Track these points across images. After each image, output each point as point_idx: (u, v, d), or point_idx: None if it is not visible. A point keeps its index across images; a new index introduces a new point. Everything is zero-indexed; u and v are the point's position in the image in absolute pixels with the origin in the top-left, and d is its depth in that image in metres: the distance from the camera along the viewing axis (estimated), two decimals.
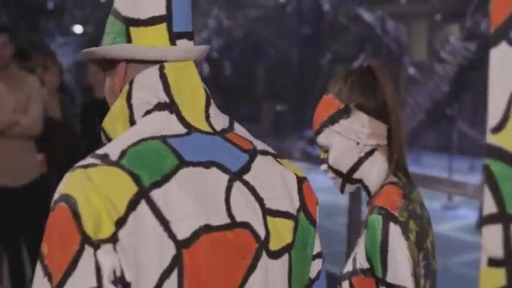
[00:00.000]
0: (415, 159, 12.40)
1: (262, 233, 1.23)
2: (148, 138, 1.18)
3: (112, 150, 1.18)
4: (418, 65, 14.13)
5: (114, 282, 1.10)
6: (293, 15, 17.36)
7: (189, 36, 1.28)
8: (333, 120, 1.73)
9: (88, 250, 1.09)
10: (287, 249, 1.27)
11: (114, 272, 1.10)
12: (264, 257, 1.23)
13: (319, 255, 1.36)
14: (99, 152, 1.18)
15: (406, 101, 12.03)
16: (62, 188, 1.14)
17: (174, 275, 1.13)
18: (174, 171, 1.16)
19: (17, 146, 4.91)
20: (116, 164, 1.15)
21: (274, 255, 1.24)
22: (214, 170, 1.20)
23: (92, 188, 1.12)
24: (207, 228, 1.16)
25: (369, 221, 1.59)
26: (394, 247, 1.57)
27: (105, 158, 1.16)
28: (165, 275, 1.12)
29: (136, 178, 1.13)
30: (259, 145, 1.32)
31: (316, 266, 1.36)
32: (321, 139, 1.75)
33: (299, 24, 17.19)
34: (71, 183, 1.14)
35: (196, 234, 1.15)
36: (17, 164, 4.83)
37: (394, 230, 1.57)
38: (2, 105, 5.01)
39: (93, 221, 1.10)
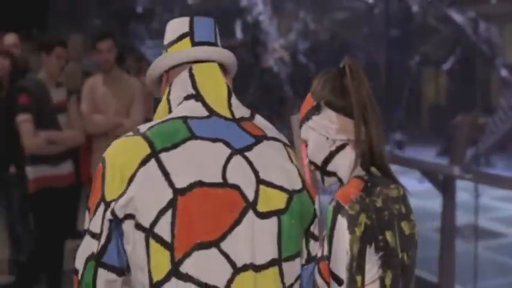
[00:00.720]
0: (509, 163, 11.97)
1: (251, 196, 1.52)
2: (174, 118, 1.55)
3: (145, 126, 1.58)
4: (510, 67, 13.67)
5: (117, 217, 1.48)
6: (381, 17, 17.10)
7: (209, 44, 1.66)
8: (307, 116, 1.93)
9: (101, 206, 1.50)
10: (276, 213, 1.55)
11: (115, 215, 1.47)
12: (251, 214, 1.52)
13: (317, 238, 1.63)
14: (138, 127, 1.59)
15: (499, 104, 11.64)
16: (105, 152, 1.55)
17: (169, 214, 1.46)
18: (183, 141, 1.52)
19: None
20: (141, 134, 1.56)
21: (261, 215, 1.53)
22: (219, 145, 1.53)
23: (118, 155, 1.51)
24: (201, 183, 1.49)
25: (326, 211, 1.75)
26: (338, 239, 1.71)
27: (136, 131, 1.58)
28: (161, 213, 1.46)
29: (151, 144, 1.51)
30: (273, 134, 1.64)
31: (315, 248, 1.65)
32: (302, 134, 1.96)
33: (387, 26, 16.92)
34: (109, 149, 1.56)
35: (191, 186, 1.48)
36: None
37: (340, 222, 1.71)
38: (106, 108, 5.11)
39: (111, 184, 1.47)
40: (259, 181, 1.54)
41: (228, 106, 1.59)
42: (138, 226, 1.46)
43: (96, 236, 1.51)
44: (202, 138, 1.52)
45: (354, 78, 1.87)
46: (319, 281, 1.76)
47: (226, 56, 1.67)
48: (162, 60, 1.64)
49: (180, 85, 1.58)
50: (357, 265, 1.70)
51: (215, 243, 1.47)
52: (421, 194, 8.44)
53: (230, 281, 1.48)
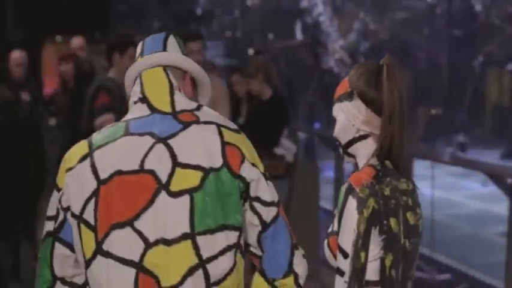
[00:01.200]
0: None
1: (164, 178, 1.72)
2: (120, 121, 1.83)
3: (97, 132, 1.85)
4: None
5: (64, 209, 1.77)
6: (442, 17, 16.80)
7: (155, 52, 1.88)
8: (340, 99, 2.06)
9: (55, 192, 1.81)
10: (189, 191, 1.71)
11: (62, 205, 1.78)
12: (163, 194, 1.71)
13: (272, 204, 1.79)
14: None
15: None
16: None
17: (93, 201, 1.72)
18: (115, 139, 1.77)
19: None
20: (88, 138, 1.82)
21: (173, 194, 1.71)
22: (146, 137, 1.76)
23: (70, 151, 1.83)
24: (119, 172, 1.72)
25: (340, 191, 1.94)
26: (347, 217, 1.90)
27: (89, 136, 1.84)
28: (87, 201, 1.73)
29: (90, 145, 1.78)
30: (207, 118, 1.80)
31: (269, 212, 1.79)
32: (333, 111, 2.09)
33: (449, 26, 16.60)
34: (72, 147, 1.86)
35: (111, 176, 1.72)
36: None
37: (350, 202, 1.90)
38: None
39: (60, 174, 1.80)
40: (176, 164, 1.73)
41: (170, 102, 1.81)
42: (72, 214, 1.75)
43: (51, 218, 1.80)
44: (132, 134, 1.77)
45: (390, 76, 1.98)
46: (327, 253, 1.99)
47: (172, 59, 1.88)
48: (126, 79, 1.92)
49: (134, 92, 1.86)
50: (362, 242, 1.87)
51: (129, 223, 1.70)
52: (485, 197, 8.26)
53: (143, 255, 1.69)
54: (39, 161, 5.58)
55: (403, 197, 1.99)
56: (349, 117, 2.03)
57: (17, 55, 6.36)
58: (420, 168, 6.51)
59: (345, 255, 1.88)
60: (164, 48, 1.90)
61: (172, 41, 1.94)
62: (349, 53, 15.99)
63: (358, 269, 1.88)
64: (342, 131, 2.07)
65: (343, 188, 1.94)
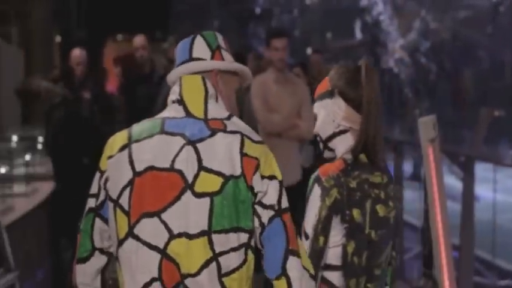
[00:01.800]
0: None
1: (190, 178, 1.93)
2: (158, 118, 2.03)
3: (138, 122, 2.06)
4: None
5: (105, 190, 2.00)
6: (506, 15, 16.42)
7: (197, 59, 2.06)
8: (321, 97, 2.24)
9: (98, 173, 2.04)
10: (210, 194, 1.92)
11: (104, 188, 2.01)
12: (188, 193, 1.92)
13: (271, 207, 1.94)
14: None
15: None
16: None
17: (128, 189, 1.95)
18: (152, 136, 1.98)
19: (289, 148, 4.87)
20: (129, 128, 2.04)
21: (197, 195, 1.92)
22: (177, 138, 1.96)
23: (112, 139, 2.05)
24: (152, 168, 1.94)
25: (310, 179, 2.15)
26: (311, 203, 2.11)
27: (130, 126, 2.06)
28: (123, 189, 1.96)
29: (129, 136, 2.00)
30: (234, 128, 1.98)
31: (267, 214, 1.94)
32: (314, 109, 2.26)
33: None
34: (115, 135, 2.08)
35: (145, 170, 1.95)
36: (284, 167, 4.81)
37: (315, 190, 2.10)
38: (279, 108, 4.96)
39: (103, 158, 2.03)
40: (201, 167, 1.93)
41: (203, 110, 2.01)
42: (110, 198, 1.99)
43: (93, 196, 2.04)
44: (166, 133, 1.98)
45: (368, 76, 2.17)
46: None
47: (202, 68, 2.06)
48: (169, 77, 2.12)
49: (173, 91, 2.06)
50: (322, 227, 2.09)
51: (157, 214, 1.93)
52: None
53: (167, 244, 1.92)
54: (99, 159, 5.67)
55: (375, 190, 2.16)
56: (330, 113, 2.22)
57: (77, 53, 6.45)
58: (482, 170, 6.37)
59: (306, 237, 2.10)
60: (190, 54, 2.09)
61: (199, 43, 2.10)
62: (409, 53, 15.77)
63: (317, 251, 2.09)
64: (323, 127, 2.24)
65: (312, 177, 2.14)
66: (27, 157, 5.98)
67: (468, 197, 5.47)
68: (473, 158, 5.70)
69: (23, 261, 4.43)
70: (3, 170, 5.32)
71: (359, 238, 2.12)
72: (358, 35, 16.87)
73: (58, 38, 13.16)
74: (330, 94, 2.22)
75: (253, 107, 4.71)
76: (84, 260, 2.06)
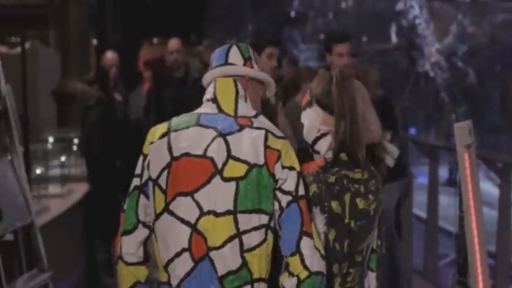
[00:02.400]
0: None
1: (219, 165, 2.24)
2: (195, 113, 2.36)
3: (179, 116, 2.40)
4: None
5: (148, 170, 2.32)
6: None
7: (230, 64, 2.39)
8: (304, 107, 2.57)
9: (141, 157, 2.37)
10: (236, 179, 2.23)
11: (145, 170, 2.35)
12: (217, 178, 2.23)
13: (289, 193, 2.23)
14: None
15: None
16: None
17: (166, 171, 2.28)
18: (188, 127, 2.31)
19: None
20: (169, 120, 2.37)
21: (225, 179, 2.23)
22: (210, 130, 2.28)
23: (154, 128, 2.38)
24: (188, 154, 2.27)
25: None
26: None
27: (170, 119, 2.40)
28: (162, 170, 2.28)
29: (169, 126, 2.33)
30: (260, 125, 2.30)
31: (285, 199, 2.23)
32: (301, 119, 2.56)
33: None
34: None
35: (181, 156, 2.27)
36: None
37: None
38: None
39: (146, 144, 2.35)
40: (229, 156, 2.25)
41: (234, 108, 2.33)
42: (150, 177, 2.31)
43: (138, 176, 2.36)
44: (201, 126, 2.31)
45: (339, 85, 2.47)
46: None
47: (235, 73, 2.38)
48: (204, 78, 2.44)
49: (208, 91, 2.39)
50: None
51: (190, 194, 2.25)
52: None
53: (198, 219, 2.23)
54: (131, 161, 5.70)
55: (355, 184, 2.46)
56: (311, 120, 2.53)
57: (109, 56, 6.50)
58: None
59: None
60: (226, 60, 2.41)
61: (234, 51, 2.42)
62: (446, 57, 15.59)
63: (324, 254, 2.35)
64: (308, 133, 2.55)
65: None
66: (63, 158, 6.04)
67: (505, 204, 5.40)
68: (510, 164, 5.61)
69: (57, 261, 4.47)
70: (38, 171, 5.37)
71: (339, 227, 2.43)
72: (394, 38, 16.73)
73: (94, 41, 13.29)
74: (309, 104, 2.54)
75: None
76: (129, 232, 2.36)
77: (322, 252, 2.26)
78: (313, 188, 2.41)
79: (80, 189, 5.74)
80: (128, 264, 2.36)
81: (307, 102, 2.56)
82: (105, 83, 5.72)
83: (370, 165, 2.53)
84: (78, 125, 6.33)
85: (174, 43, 6.30)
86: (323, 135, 2.51)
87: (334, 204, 2.42)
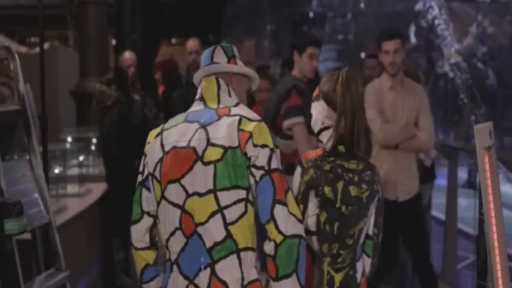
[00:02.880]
0: None
1: (200, 152, 2.54)
2: (186, 112, 2.69)
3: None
4: None
5: (148, 167, 2.66)
6: None
7: (211, 64, 2.71)
8: (313, 100, 2.87)
9: (143, 157, 2.70)
10: (214, 162, 2.51)
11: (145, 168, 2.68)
12: (199, 163, 2.53)
13: (262, 168, 2.50)
14: None
15: None
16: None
17: (159, 165, 2.60)
18: (177, 124, 2.64)
19: (407, 160, 4.62)
20: (163, 124, 2.73)
21: (205, 163, 2.52)
22: (195, 124, 2.60)
23: (151, 132, 2.73)
24: (175, 147, 2.58)
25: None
26: (295, 178, 2.77)
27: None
28: (156, 164, 2.60)
29: (162, 127, 2.68)
30: (236, 112, 2.59)
31: (259, 173, 2.50)
32: (311, 109, 2.87)
33: None
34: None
35: (170, 149, 2.58)
36: (404, 180, 4.60)
37: (298, 169, 2.78)
38: (395, 116, 4.62)
39: (146, 146, 2.70)
40: (208, 143, 2.55)
41: (217, 101, 2.67)
42: (149, 173, 2.65)
43: (140, 173, 2.69)
44: (188, 122, 2.64)
45: (343, 84, 2.74)
46: None
47: (216, 70, 2.72)
48: (194, 78, 2.80)
49: (198, 92, 2.75)
50: (301, 198, 2.74)
51: (177, 180, 2.56)
52: None
53: (184, 202, 2.55)
54: None
55: (349, 174, 2.75)
56: (317, 113, 2.84)
57: (127, 56, 6.51)
58: None
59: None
60: (212, 60, 2.74)
61: (218, 52, 2.75)
62: (465, 58, 15.49)
63: (301, 218, 2.61)
64: (314, 124, 2.86)
65: (297, 160, 2.81)
66: (81, 158, 6.06)
67: None
68: None
69: (75, 261, 4.48)
70: (57, 171, 5.40)
71: (330, 210, 2.72)
72: (413, 39, 16.65)
73: (113, 41, 13.33)
74: (317, 97, 2.85)
75: (367, 116, 4.30)
76: (136, 221, 2.71)
77: (299, 217, 2.50)
78: (311, 172, 2.74)
79: (98, 189, 5.76)
80: (137, 249, 2.73)
81: (316, 95, 2.85)
82: (123, 83, 5.72)
83: (367, 158, 2.81)
84: (96, 124, 6.35)
85: (192, 43, 6.30)
86: (326, 127, 2.82)
87: (327, 190, 2.72)
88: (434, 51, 15.49)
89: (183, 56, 6.82)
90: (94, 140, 6.63)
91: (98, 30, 9.73)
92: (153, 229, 2.72)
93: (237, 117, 2.57)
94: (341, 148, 2.75)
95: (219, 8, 18.50)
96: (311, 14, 18.01)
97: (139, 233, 2.71)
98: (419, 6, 16.01)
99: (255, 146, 2.52)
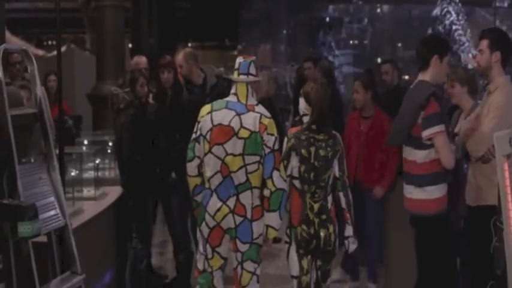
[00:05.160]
0: None
1: (236, 130, 4.21)
2: (225, 100, 4.37)
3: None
4: None
5: (200, 130, 4.37)
6: None
7: (243, 74, 4.31)
8: (300, 94, 4.53)
9: (197, 123, 4.43)
10: (244, 138, 4.19)
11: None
12: (235, 137, 4.20)
13: (269, 147, 4.21)
14: None
15: None
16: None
17: (209, 132, 4.27)
18: (221, 109, 4.31)
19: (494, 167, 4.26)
20: (211, 104, 4.43)
21: (239, 138, 4.20)
22: (231, 111, 4.26)
23: (203, 108, 4.46)
24: (220, 124, 4.24)
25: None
26: (284, 144, 4.43)
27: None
28: (208, 131, 4.28)
29: (212, 107, 4.35)
30: (258, 110, 4.27)
31: (267, 150, 4.21)
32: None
33: None
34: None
35: (217, 125, 4.25)
36: (489, 186, 4.30)
37: (286, 139, 4.42)
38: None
39: (199, 117, 4.39)
40: (241, 126, 4.19)
41: (245, 99, 4.28)
42: (201, 134, 4.26)
43: (194, 133, 4.30)
44: (228, 108, 4.25)
45: (315, 89, 4.42)
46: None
47: (249, 80, 4.30)
48: (234, 79, 4.32)
49: (232, 88, 4.33)
50: (285, 156, 4.37)
51: (221, 144, 4.19)
52: None
53: (224, 157, 4.18)
54: (163, 164, 5.71)
55: (319, 142, 4.36)
56: (301, 104, 4.49)
57: (142, 60, 6.53)
58: None
59: (283, 160, 4.37)
60: (248, 71, 4.32)
61: (252, 66, 4.34)
62: None
63: (284, 168, 4.33)
64: (300, 111, 4.51)
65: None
66: (97, 161, 6.06)
67: None
68: None
69: (91, 264, 4.48)
70: (73, 174, 5.40)
71: (306, 164, 4.37)
72: None
73: (129, 45, 13.38)
74: (300, 95, 4.51)
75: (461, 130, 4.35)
76: (190, 161, 4.36)
77: (285, 178, 4.30)
78: (292, 141, 4.42)
79: (114, 193, 5.76)
80: (191, 176, 4.40)
81: (300, 93, 4.54)
82: (135, 87, 5.72)
83: (332, 131, 4.42)
84: (112, 128, 6.36)
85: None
86: (305, 114, 4.47)
87: (304, 151, 4.38)
88: (451, 57, 15.43)
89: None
90: (110, 143, 6.64)
91: (115, 34, 9.77)
92: (199, 166, 4.34)
93: (259, 115, 4.27)
94: (313, 126, 4.40)
95: (236, 13, 18.53)
96: (327, 19, 17.98)
97: (192, 167, 4.38)
98: (436, 11, 15.95)
99: (268, 134, 4.23)
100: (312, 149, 4.29)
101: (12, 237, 3.19)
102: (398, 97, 4.97)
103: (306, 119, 4.38)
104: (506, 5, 16.40)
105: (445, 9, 15.63)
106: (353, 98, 5.91)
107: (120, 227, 5.66)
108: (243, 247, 4.22)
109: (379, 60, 15.01)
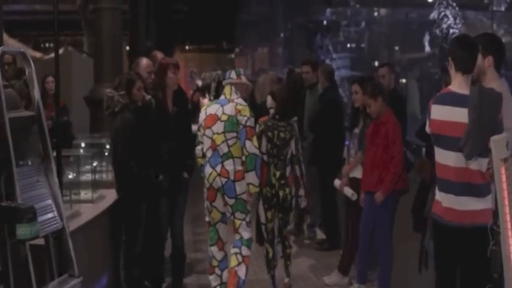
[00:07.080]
0: None
1: (219, 116, 5.78)
2: (217, 99, 6.16)
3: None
4: None
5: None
6: None
7: (230, 78, 5.97)
8: (268, 94, 6.85)
9: (200, 117, 6.10)
10: (224, 121, 5.75)
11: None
12: (218, 121, 5.77)
13: (242, 124, 5.73)
14: None
15: None
16: None
17: (204, 121, 5.85)
18: (212, 105, 5.98)
19: None
20: (209, 103, 6.69)
21: (222, 121, 5.76)
22: (219, 105, 5.88)
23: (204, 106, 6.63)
24: (210, 114, 5.84)
25: None
26: (256, 130, 6.19)
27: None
28: (202, 121, 5.86)
29: (207, 105, 6.14)
30: (235, 100, 5.82)
31: (241, 127, 5.74)
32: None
33: None
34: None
35: (209, 115, 5.85)
36: None
37: (257, 126, 6.15)
38: None
39: (201, 110, 6.15)
40: (223, 113, 5.74)
41: (230, 95, 5.83)
42: (200, 124, 5.85)
43: (198, 124, 5.93)
44: (216, 103, 5.87)
45: (281, 87, 6.86)
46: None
47: (234, 82, 5.87)
48: (224, 83, 6.06)
49: (224, 90, 5.94)
50: (257, 138, 5.86)
51: (210, 127, 5.76)
52: None
53: (212, 135, 5.74)
54: (156, 165, 5.73)
55: (279, 127, 6.12)
56: (269, 101, 6.50)
57: (146, 63, 6.53)
58: None
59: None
60: (230, 76, 5.89)
61: (233, 72, 5.90)
62: None
63: (257, 146, 5.74)
64: (268, 106, 6.49)
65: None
66: (95, 164, 6.07)
67: None
68: None
69: (88, 267, 4.48)
70: (70, 177, 5.40)
71: (271, 143, 6.11)
72: (427, 48, 16.59)
73: (127, 47, 13.38)
74: (268, 94, 6.61)
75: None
76: (197, 145, 5.79)
77: (256, 146, 5.68)
78: (262, 126, 6.10)
79: (111, 195, 5.76)
80: (198, 157, 5.81)
81: (269, 92, 6.63)
82: (131, 90, 5.70)
83: (291, 121, 6.21)
84: (110, 130, 6.35)
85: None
86: (271, 108, 6.26)
87: (270, 134, 6.09)
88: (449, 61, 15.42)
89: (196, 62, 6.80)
90: (107, 146, 6.64)
91: (112, 36, 9.75)
92: (203, 148, 5.75)
93: (235, 103, 5.72)
94: (277, 116, 6.14)
95: (233, 15, 18.56)
96: (325, 22, 17.99)
97: (198, 150, 5.80)
98: (433, 15, 15.96)
99: (240, 115, 5.66)
100: (275, 132, 6.09)
101: (10, 240, 3.19)
102: (395, 101, 4.99)
103: (271, 112, 6.26)
104: (503, 9, 16.42)
105: (443, 13, 15.64)
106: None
107: (116, 229, 5.66)
108: (230, 201, 5.66)
109: (376, 63, 15.02)
